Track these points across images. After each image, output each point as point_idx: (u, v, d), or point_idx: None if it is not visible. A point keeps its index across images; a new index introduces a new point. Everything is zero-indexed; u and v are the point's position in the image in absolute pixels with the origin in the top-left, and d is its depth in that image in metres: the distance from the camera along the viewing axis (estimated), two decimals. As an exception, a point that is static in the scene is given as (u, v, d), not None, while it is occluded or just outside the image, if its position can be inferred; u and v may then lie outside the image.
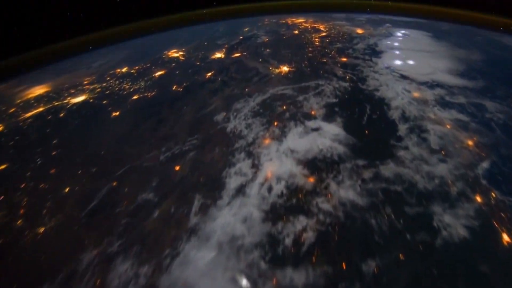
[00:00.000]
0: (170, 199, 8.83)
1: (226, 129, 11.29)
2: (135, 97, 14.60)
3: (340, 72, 15.01)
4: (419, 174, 9.15)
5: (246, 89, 13.97)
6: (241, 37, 23.18)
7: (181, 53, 20.53)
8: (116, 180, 9.62)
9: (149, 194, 9.04)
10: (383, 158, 9.48)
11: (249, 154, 9.96)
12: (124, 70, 18.83)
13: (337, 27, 24.94)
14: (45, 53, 26.30)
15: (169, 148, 10.68)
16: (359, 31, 23.08)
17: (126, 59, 21.13)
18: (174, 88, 14.86)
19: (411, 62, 16.38)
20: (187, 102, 13.38)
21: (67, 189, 9.55)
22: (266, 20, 30.75)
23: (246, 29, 26.29)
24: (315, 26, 25.50)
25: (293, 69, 15.86)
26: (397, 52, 17.78)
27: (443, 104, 12.61)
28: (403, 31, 23.29)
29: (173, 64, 18.41)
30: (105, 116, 13.19)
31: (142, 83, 16.15)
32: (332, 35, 22.12)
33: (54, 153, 11.24)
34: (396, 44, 19.42)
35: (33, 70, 22.83)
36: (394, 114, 11.83)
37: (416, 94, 13.27)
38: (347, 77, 14.81)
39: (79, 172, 10.13)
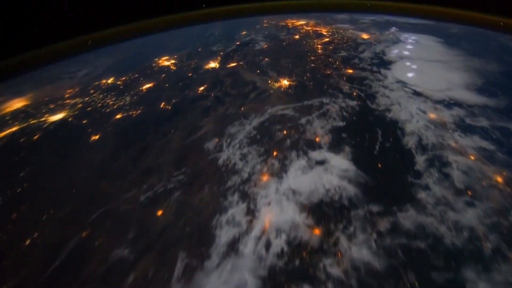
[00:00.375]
0: (149, 257, 7.35)
1: (218, 160, 9.83)
2: (118, 116, 13.24)
3: (346, 87, 13.48)
4: (444, 225, 7.70)
5: (242, 108, 12.54)
6: (238, 43, 21.78)
7: (172, 61, 19.14)
8: (87, 228, 8.11)
9: (124, 249, 7.49)
10: (401, 202, 8.04)
11: (244, 196, 8.51)
12: (110, 81, 17.46)
13: (341, 31, 23.53)
14: (32, 58, 24.97)
15: (152, 186, 9.34)
16: (365, 36, 21.68)
17: (114, 67, 19.72)
18: (162, 106, 13.38)
19: (424, 74, 14.88)
20: (175, 125, 11.93)
21: (27, 241, 8.11)
22: (265, 21, 29.31)
23: (244, 32, 24.88)
24: (317, 30, 24.08)
25: (294, 83, 14.36)
26: (408, 63, 16.12)
27: (464, 128, 11.31)
28: (412, 37, 21.89)
29: (163, 75, 17.00)
30: (83, 140, 11.63)
31: (128, 99, 14.80)
32: (335, 41, 20.74)
33: (19, 190, 9.70)
34: (405, 52, 18.02)
35: (18, 76, 21.55)
36: (410, 142, 10.55)
37: (432, 116, 11.99)
38: (354, 93, 13.42)
39: (45, 217, 8.66)
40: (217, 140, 10.75)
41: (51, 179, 10.13)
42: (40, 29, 24.58)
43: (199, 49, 20.84)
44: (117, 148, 11.23)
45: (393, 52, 17.76)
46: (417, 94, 13.19)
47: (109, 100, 14.83)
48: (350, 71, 15.48)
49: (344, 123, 11.19)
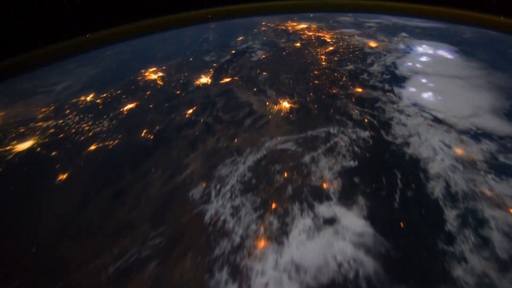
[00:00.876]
0: None
1: (204, 216, 8.24)
2: (92, 147, 11.52)
3: (356, 112, 11.63)
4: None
5: (235, 140, 10.67)
6: (233, 51, 20.02)
7: (160, 73, 17.38)
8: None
9: None
10: (434, 284, 6.35)
11: (235, 271, 6.68)
12: (89, 98, 15.70)
13: (346, 37, 21.77)
14: (8, 65, 23.21)
15: (123, 252, 7.51)
16: (372, 44, 19.99)
17: (96, 79, 17.97)
18: (143, 135, 11.42)
19: (443, 95, 12.99)
20: (157, 161, 10.12)
21: None
22: (263, 23, 27.53)
23: (240, 38, 23.15)
24: (320, 36, 22.34)
25: (295, 105, 12.48)
26: (424, 80, 14.01)
27: (498, 168, 9.76)
28: (424, 45, 20.17)
29: (148, 92, 15.18)
30: (49, 179, 9.84)
31: (106, 123, 13.15)
32: (340, 50, 19.04)
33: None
34: (419, 65, 16.30)
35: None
36: (436, 189, 9.01)
37: (459, 151, 10.43)
38: (366, 120, 11.72)
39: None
40: (204, 185, 9.12)
41: (3, 237, 8.24)
42: (18, 32, 22.82)
43: (191, 59, 19.07)
44: (87, 192, 9.62)
45: (406, 65, 16.10)
46: (438, 121, 11.53)
47: (85, 125, 13.18)
48: (359, 90, 13.82)
49: (356, 163, 9.56)
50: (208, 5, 34.47)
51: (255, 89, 14.12)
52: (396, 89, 13.61)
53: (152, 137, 11.46)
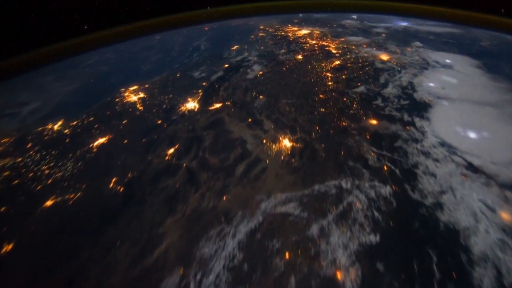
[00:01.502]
0: None
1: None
2: (49, 203, 9.49)
3: (372, 155, 9.46)
4: None
5: (224, 198, 8.44)
6: (226, 65, 17.78)
7: (141, 94, 15.15)
8: None
9: None
10: None
11: None
12: (57, 126, 13.28)
13: (352, 46, 19.64)
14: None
15: None
16: (384, 56, 17.91)
17: (69, 100, 15.70)
18: (112, 185, 9.10)
19: (476, 130, 10.50)
20: (125, 228, 7.92)
21: None
22: (261, 27, 25.36)
23: (235, 47, 20.96)
24: (324, 45, 20.18)
25: (298, 144, 10.07)
26: (449, 108, 11.64)
27: None
28: (442, 57, 18.09)
29: (124, 121, 12.66)
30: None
31: (70, 166, 11.16)
32: (348, 64, 16.77)
33: None
34: (441, 87, 13.93)
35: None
36: (485, 280, 7.25)
37: (505, 216, 8.54)
38: (385, 167, 9.36)
39: None
40: (181, 271, 7.19)
41: None
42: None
43: (178, 75, 17.01)
44: (33, 276, 7.81)
45: (425, 87, 14.07)
46: (473, 169, 9.51)
47: (46, 167, 11.26)
48: (374, 121, 11.63)
49: (378, 238, 7.36)
50: (200, 6, 32.29)
51: (250, 119, 11.86)
52: (417, 121, 11.39)
53: (122, 189, 9.34)
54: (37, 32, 22.21)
